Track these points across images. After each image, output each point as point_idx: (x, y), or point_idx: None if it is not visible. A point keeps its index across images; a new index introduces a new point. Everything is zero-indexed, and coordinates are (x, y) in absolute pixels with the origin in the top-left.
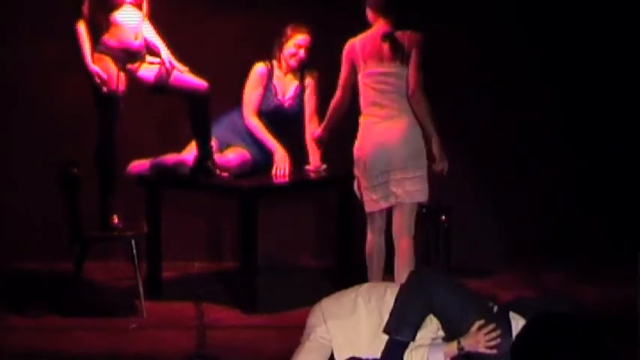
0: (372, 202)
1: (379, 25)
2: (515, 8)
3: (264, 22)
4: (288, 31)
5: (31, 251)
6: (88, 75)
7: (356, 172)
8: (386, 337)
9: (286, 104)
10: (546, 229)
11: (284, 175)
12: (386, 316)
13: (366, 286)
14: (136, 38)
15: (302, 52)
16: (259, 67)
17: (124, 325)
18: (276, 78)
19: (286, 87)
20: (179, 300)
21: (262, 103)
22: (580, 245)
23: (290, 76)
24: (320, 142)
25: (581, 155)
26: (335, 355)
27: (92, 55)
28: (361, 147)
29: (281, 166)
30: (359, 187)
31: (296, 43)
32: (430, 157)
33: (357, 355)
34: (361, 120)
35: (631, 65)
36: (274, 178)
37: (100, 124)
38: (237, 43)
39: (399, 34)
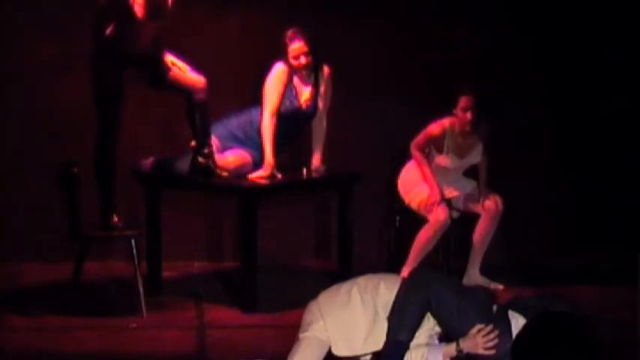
0: None
1: None
2: (518, 7)
3: (264, 22)
4: (285, 39)
5: (31, 251)
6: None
7: None
8: (382, 331)
9: (304, 107)
10: (546, 229)
11: (255, 180)
12: (380, 309)
13: (362, 278)
14: (144, 43)
15: (302, 59)
16: (281, 66)
17: (124, 325)
18: (294, 80)
19: (302, 90)
20: (179, 300)
21: (282, 104)
22: (580, 245)
23: (305, 80)
24: None
25: (581, 155)
26: (333, 350)
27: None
28: None
29: (263, 174)
30: None
31: (293, 55)
32: None
33: (354, 348)
34: None
35: (632, 65)
36: (249, 178)
37: (101, 123)
38: (237, 43)
39: None
